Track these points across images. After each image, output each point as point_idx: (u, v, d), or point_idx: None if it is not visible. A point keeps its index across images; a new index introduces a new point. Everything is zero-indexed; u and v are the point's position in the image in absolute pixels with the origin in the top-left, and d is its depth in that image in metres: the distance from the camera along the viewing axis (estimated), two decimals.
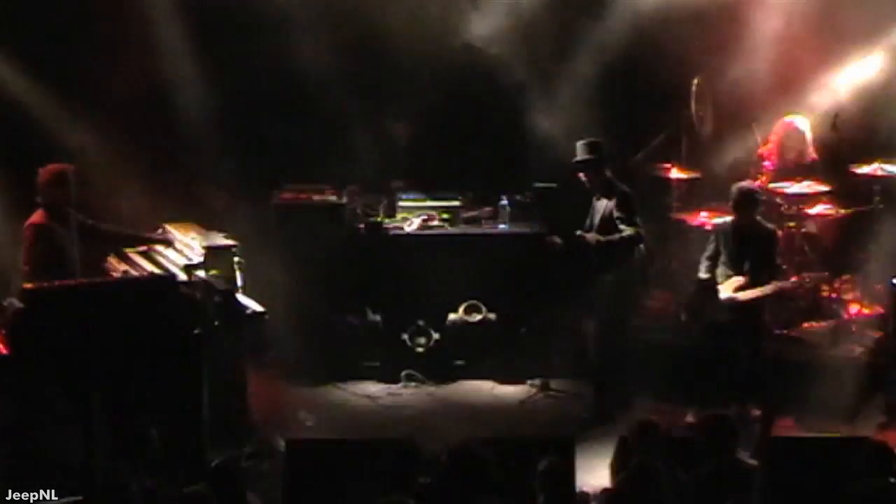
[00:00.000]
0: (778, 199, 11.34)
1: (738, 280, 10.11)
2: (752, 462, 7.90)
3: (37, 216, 9.75)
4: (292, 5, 12.22)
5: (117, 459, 7.33)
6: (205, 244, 10.35)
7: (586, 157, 10.58)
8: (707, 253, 10.38)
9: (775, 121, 11.72)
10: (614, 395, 10.65)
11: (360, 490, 7.43)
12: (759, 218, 10.27)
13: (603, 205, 10.60)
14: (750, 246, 10.14)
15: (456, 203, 11.99)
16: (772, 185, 11.36)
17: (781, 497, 7.61)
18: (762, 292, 10.09)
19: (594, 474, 7.58)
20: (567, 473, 7.17)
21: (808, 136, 11.57)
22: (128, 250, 10.54)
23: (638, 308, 11.36)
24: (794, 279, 10.68)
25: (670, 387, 10.72)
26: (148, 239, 10.55)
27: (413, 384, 11.46)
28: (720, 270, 10.27)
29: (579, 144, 10.68)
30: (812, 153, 11.56)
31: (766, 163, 11.62)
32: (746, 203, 10.14)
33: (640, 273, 10.92)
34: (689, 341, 11.07)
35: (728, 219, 10.40)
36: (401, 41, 12.16)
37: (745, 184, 10.55)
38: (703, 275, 10.34)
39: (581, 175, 10.65)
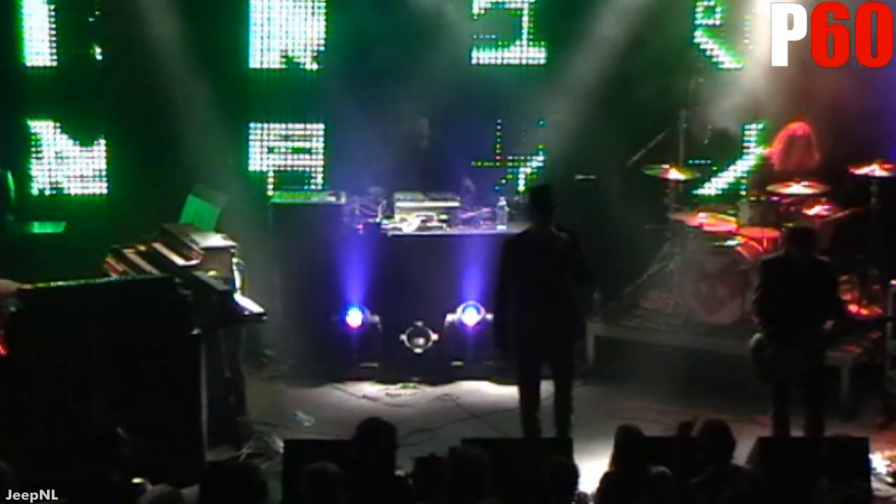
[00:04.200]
0: (776, 200, 11.35)
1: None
2: (750, 467, 7.95)
3: None
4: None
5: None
6: (203, 245, 10.36)
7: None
8: (757, 294, 9.69)
9: (780, 126, 11.75)
10: None
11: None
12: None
13: None
14: (810, 281, 9.45)
15: (454, 204, 11.99)
16: (770, 187, 11.37)
17: (775, 498, 7.64)
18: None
19: (594, 474, 7.58)
20: (574, 473, 7.20)
21: (814, 141, 11.57)
22: (126, 250, 10.55)
23: None
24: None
25: (669, 387, 10.74)
26: None
27: (412, 385, 11.48)
28: (772, 309, 9.53)
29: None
30: (816, 157, 11.57)
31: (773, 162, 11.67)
32: (807, 241, 9.52)
33: None
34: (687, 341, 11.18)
35: (775, 254, 10.04)
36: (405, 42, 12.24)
37: (807, 224, 10.28)
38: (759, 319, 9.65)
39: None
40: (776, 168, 11.64)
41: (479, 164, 12.84)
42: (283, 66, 12.58)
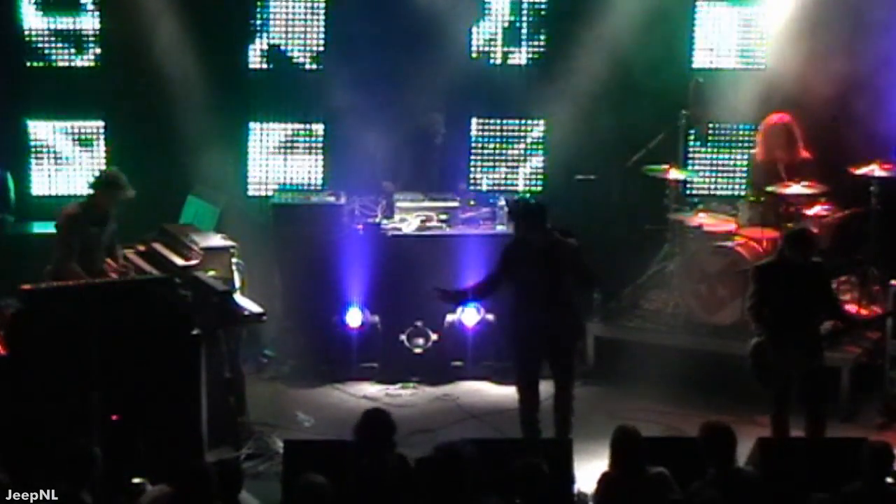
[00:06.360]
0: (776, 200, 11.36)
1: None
2: (750, 468, 7.95)
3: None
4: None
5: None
6: (203, 245, 10.36)
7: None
8: (752, 301, 9.55)
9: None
10: None
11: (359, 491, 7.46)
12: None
13: None
14: (805, 283, 9.39)
15: (454, 204, 11.99)
16: (770, 188, 11.34)
17: (777, 499, 7.64)
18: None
19: (594, 474, 7.60)
20: (543, 472, 7.21)
21: (795, 132, 11.52)
22: (126, 251, 10.55)
23: None
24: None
25: (668, 387, 10.74)
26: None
27: (412, 385, 11.49)
28: (769, 314, 9.42)
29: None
30: (802, 151, 11.52)
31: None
32: (806, 244, 9.44)
33: None
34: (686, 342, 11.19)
35: (768, 260, 9.91)
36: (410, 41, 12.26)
37: (805, 227, 10.21)
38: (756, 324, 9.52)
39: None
40: (762, 162, 11.57)
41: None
42: (283, 66, 12.59)
